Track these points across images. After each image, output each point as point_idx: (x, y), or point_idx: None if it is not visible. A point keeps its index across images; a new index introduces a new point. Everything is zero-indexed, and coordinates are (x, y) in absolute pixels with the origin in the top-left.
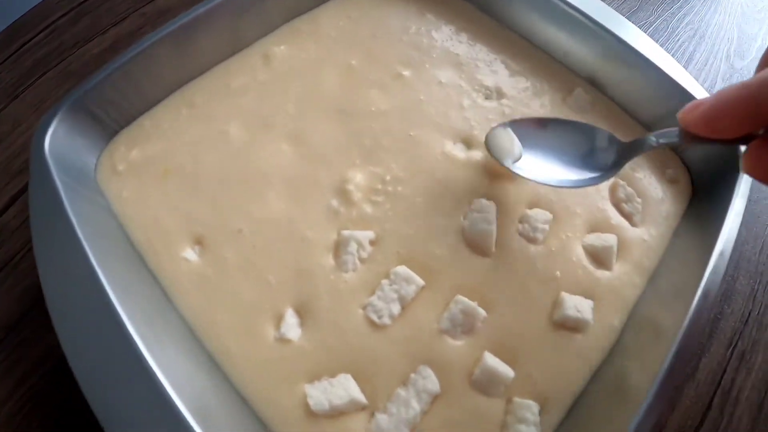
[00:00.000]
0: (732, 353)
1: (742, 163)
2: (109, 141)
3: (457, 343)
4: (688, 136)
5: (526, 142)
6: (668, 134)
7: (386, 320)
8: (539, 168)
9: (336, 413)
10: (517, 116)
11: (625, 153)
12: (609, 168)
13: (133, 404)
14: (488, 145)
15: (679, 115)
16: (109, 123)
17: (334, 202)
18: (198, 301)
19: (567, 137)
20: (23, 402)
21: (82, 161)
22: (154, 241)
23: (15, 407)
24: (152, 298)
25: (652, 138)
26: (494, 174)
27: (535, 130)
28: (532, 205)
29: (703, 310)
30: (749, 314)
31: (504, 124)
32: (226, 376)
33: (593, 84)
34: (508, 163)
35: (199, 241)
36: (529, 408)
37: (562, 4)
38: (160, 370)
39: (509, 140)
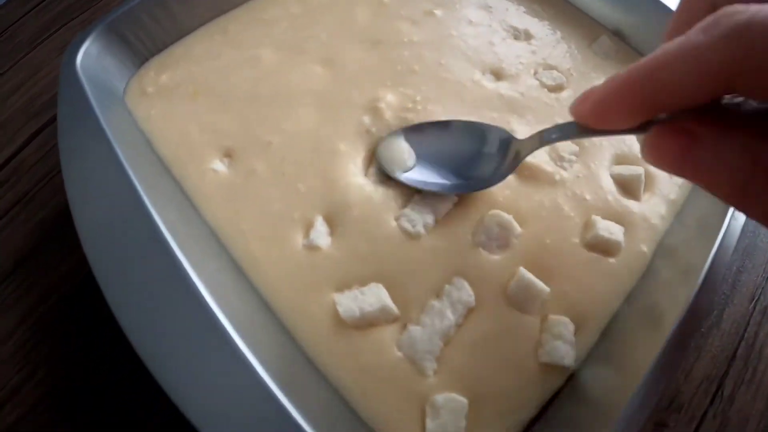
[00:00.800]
0: (755, 307)
1: (641, 149)
2: (140, 67)
3: (493, 257)
4: (584, 129)
5: (420, 148)
6: (564, 128)
7: (420, 229)
8: (433, 175)
9: (365, 323)
10: (540, 63)
11: (520, 150)
12: (506, 166)
13: (166, 307)
14: (378, 157)
15: (571, 106)
16: (140, 49)
17: (366, 119)
18: (225, 210)
19: (462, 139)
20: (30, 333)
21: (110, 83)
22: (182, 154)
23: (22, 338)
24: (179, 207)
25: (548, 134)
26: (518, 106)
27: (429, 136)
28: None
29: (727, 248)
30: None
31: (397, 133)
32: (252, 284)
33: (618, 34)
34: (397, 175)
35: (227, 154)
36: (565, 326)
37: None
38: (194, 273)
39: (400, 150)
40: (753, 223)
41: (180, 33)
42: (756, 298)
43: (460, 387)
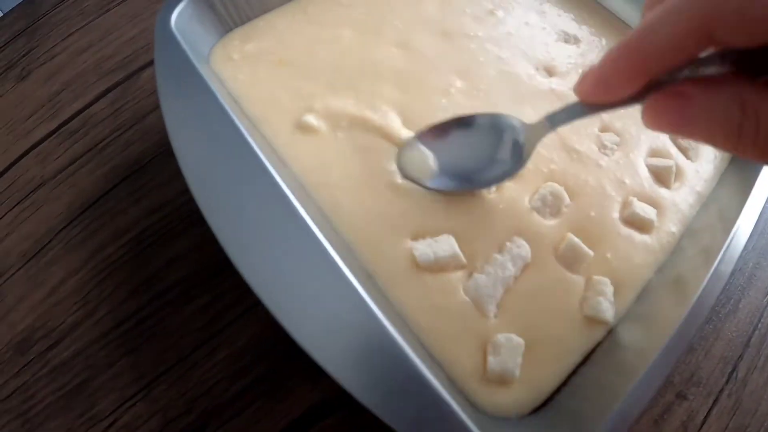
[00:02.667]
0: None
1: (642, 117)
2: (223, 36)
3: (546, 222)
4: (590, 106)
5: (438, 151)
6: (569, 109)
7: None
8: (457, 175)
9: (437, 267)
10: (587, 65)
11: (532, 136)
12: (520, 154)
13: (272, 234)
14: (402, 170)
15: (574, 87)
16: (226, 18)
17: (443, 101)
18: (314, 165)
19: (475, 133)
20: (94, 273)
21: (197, 47)
22: (270, 113)
23: (86, 277)
24: (269, 159)
25: (555, 117)
26: (569, 98)
27: (444, 137)
28: (602, 130)
29: (742, 234)
30: None
31: (412, 141)
32: (337, 230)
33: None
34: (426, 183)
35: (317, 114)
36: (606, 284)
37: None
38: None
39: (421, 159)
40: None
41: (263, 8)
42: None
43: (517, 330)
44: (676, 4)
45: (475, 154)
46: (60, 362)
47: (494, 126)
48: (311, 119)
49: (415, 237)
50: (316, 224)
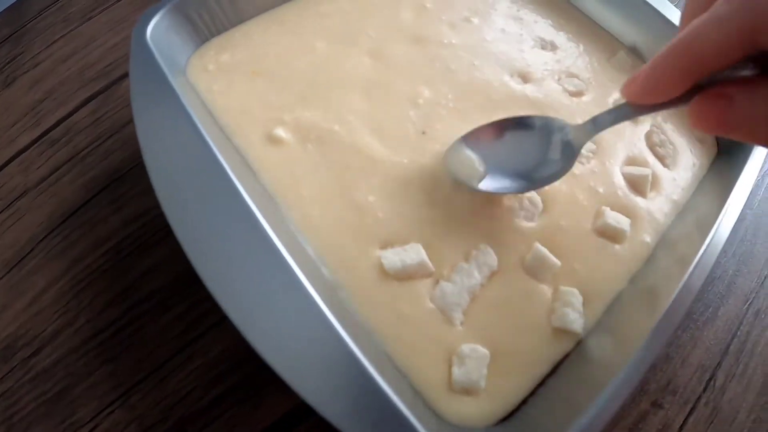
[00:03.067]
0: (748, 309)
1: (688, 118)
2: (200, 46)
3: (516, 228)
4: (637, 107)
5: (485, 154)
6: (617, 111)
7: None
8: (504, 177)
9: (405, 275)
10: (563, 71)
11: (580, 137)
12: (568, 156)
13: (239, 253)
14: (450, 171)
15: (622, 90)
16: (202, 29)
17: (411, 112)
18: (285, 177)
19: (522, 136)
20: (74, 283)
21: (173, 58)
22: (244, 125)
23: (65, 287)
24: (240, 171)
25: (602, 119)
26: (542, 105)
27: (490, 138)
28: None
29: (717, 243)
30: (765, 279)
31: (458, 143)
32: (304, 242)
33: (635, 51)
34: (474, 185)
35: (286, 127)
36: (574, 295)
37: None
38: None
39: (469, 161)
40: (750, 231)
41: (239, 18)
42: (749, 301)
43: (483, 340)
44: (724, 13)
45: (523, 156)
46: (42, 369)
47: (542, 127)
48: (281, 132)
49: (384, 246)
50: (283, 237)
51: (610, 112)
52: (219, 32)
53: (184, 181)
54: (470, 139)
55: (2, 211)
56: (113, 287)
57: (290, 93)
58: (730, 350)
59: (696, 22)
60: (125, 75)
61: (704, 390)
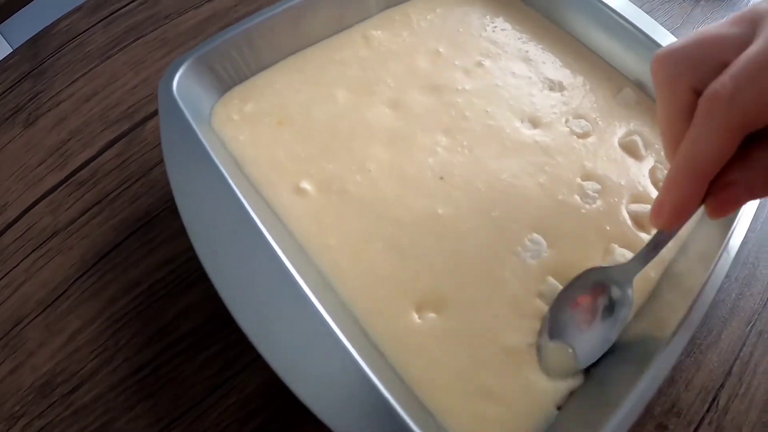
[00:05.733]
0: (751, 330)
1: (707, 215)
2: (223, 94)
3: (526, 267)
4: (667, 234)
5: (572, 339)
6: (654, 242)
7: None
8: (594, 348)
9: None
10: (570, 112)
11: (623, 282)
12: (623, 303)
13: (272, 301)
14: (550, 374)
15: (653, 222)
16: (225, 79)
17: (430, 161)
18: (313, 228)
19: (588, 305)
20: (111, 323)
21: (198, 108)
22: (271, 176)
23: (101, 326)
24: (269, 222)
25: (644, 254)
26: (551, 150)
27: (568, 321)
28: (584, 178)
29: (721, 273)
30: (767, 300)
31: (544, 339)
32: (336, 292)
33: (640, 86)
34: (575, 371)
35: (312, 179)
36: None
37: (615, 16)
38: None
39: (566, 360)
40: (753, 254)
41: (261, 66)
42: (752, 322)
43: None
44: (714, 126)
45: (599, 326)
46: (82, 405)
47: (598, 289)
48: (305, 184)
49: (419, 308)
50: (315, 286)
51: (649, 245)
52: (241, 80)
53: (216, 232)
54: (553, 331)
55: (34, 251)
56: (149, 327)
57: (314, 144)
58: (733, 371)
59: (690, 141)
60: (148, 117)
61: (707, 410)
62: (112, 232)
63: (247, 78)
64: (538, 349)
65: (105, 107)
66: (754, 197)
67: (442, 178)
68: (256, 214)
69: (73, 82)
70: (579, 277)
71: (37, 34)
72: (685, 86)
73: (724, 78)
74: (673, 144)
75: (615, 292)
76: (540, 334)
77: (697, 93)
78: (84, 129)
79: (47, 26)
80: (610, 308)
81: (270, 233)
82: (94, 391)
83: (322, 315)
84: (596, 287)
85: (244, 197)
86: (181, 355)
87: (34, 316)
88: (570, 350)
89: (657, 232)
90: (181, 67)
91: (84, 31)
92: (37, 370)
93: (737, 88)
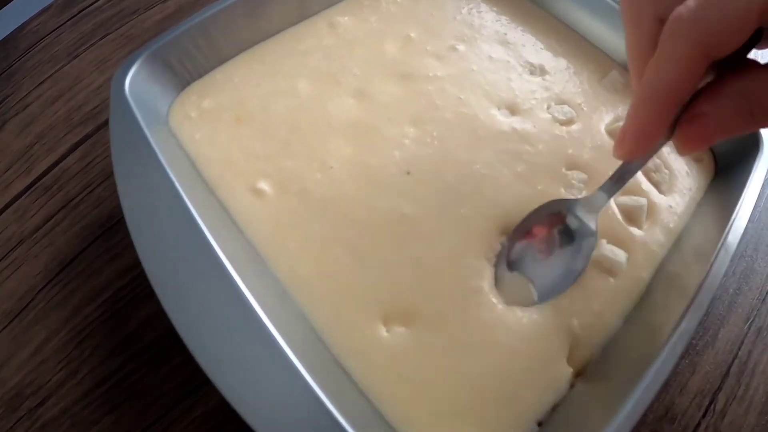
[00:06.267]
0: (749, 328)
1: (677, 148)
2: (182, 90)
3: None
4: (634, 163)
5: (528, 270)
6: (620, 174)
7: None
8: (554, 283)
9: None
10: (553, 98)
11: (591, 213)
12: (584, 233)
13: (218, 316)
14: (505, 299)
15: (615, 154)
16: (183, 74)
17: (396, 154)
18: (270, 231)
19: (548, 237)
20: (76, 332)
21: (155, 106)
22: (227, 176)
23: (68, 335)
24: (225, 226)
25: (608, 186)
26: (530, 138)
27: (527, 250)
28: (569, 168)
29: (719, 272)
30: (767, 294)
31: (501, 267)
32: (294, 300)
33: (627, 69)
34: (531, 304)
35: (270, 178)
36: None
37: None
38: (242, 282)
39: (523, 288)
40: (751, 246)
41: (220, 59)
42: (751, 319)
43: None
44: (674, 48)
45: (558, 258)
46: (50, 418)
47: (555, 219)
48: (263, 184)
49: (387, 320)
50: (271, 295)
51: (612, 177)
52: (200, 75)
53: (164, 242)
54: (510, 259)
55: (0, 260)
56: (113, 338)
57: (273, 141)
58: (731, 372)
59: (653, 65)
60: None
61: (704, 415)
62: (76, 239)
63: (206, 72)
64: (497, 278)
65: (70, 109)
66: (724, 132)
67: (408, 173)
68: (208, 219)
69: (41, 83)
70: (538, 209)
71: (7, 35)
72: (650, 16)
73: (689, 0)
74: (640, 77)
75: (573, 222)
76: (497, 262)
77: (663, 22)
78: (49, 132)
79: (17, 27)
80: (570, 239)
81: (220, 241)
82: (60, 404)
83: (270, 333)
84: (554, 217)
85: (198, 201)
86: (145, 366)
87: (1, 329)
88: (528, 283)
89: (622, 164)
90: (133, 65)
91: (52, 31)
92: (6, 383)
93: (701, 9)
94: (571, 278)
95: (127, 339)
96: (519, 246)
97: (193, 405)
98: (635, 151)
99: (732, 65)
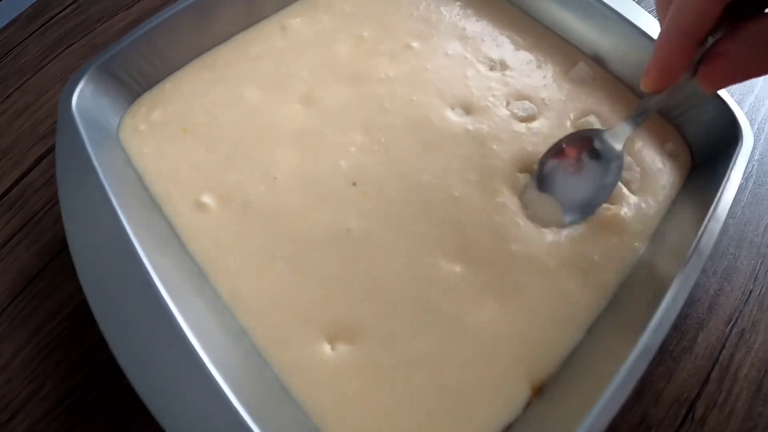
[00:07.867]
0: (731, 330)
1: (702, 87)
2: (132, 102)
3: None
4: (657, 98)
5: (558, 192)
6: (644, 106)
7: None
8: (580, 206)
9: None
10: (512, 94)
11: (617, 143)
12: (612, 156)
13: (152, 343)
14: (533, 220)
15: (643, 86)
16: (132, 86)
17: (343, 163)
18: (211, 247)
19: (578, 162)
20: (40, 348)
21: (106, 120)
22: (172, 192)
23: (32, 352)
24: (168, 243)
25: (634, 119)
26: (485, 138)
27: (556, 175)
28: (523, 170)
29: (696, 270)
30: (750, 294)
31: (530, 189)
32: (235, 318)
33: (597, 60)
34: (556, 226)
35: (214, 192)
36: None
37: None
38: (177, 309)
39: (552, 208)
40: (733, 244)
41: (169, 69)
42: (733, 321)
43: None
44: None
45: (587, 180)
46: None
47: (584, 142)
48: (206, 198)
49: (332, 338)
50: (211, 312)
51: (636, 110)
52: (150, 86)
53: (103, 267)
54: (541, 182)
55: None
56: (74, 353)
57: (217, 152)
58: (712, 377)
59: (675, 5)
60: None
61: (681, 425)
62: (37, 256)
63: (157, 83)
64: (526, 201)
65: (35, 122)
66: (744, 73)
67: (354, 183)
68: (149, 239)
69: (8, 97)
70: (567, 136)
71: None
72: None
73: None
74: (665, 17)
75: (599, 144)
76: (525, 187)
77: None
78: (15, 147)
79: None
80: (598, 160)
81: (159, 261)
82: (27, 420)
83: (197, 355)
84: (582, 141)
85: (141, 221)
86: (105, 381)
87: None
88: (557, 203)
89: (644, 98)
90: (80, 81)
91: (19, 43)
92: None
93: None
94: (603, 195)
95: (87, 354)
96: (549, 164)
97: (152, 420)
98: (661, 81)
99: (753, 15)
